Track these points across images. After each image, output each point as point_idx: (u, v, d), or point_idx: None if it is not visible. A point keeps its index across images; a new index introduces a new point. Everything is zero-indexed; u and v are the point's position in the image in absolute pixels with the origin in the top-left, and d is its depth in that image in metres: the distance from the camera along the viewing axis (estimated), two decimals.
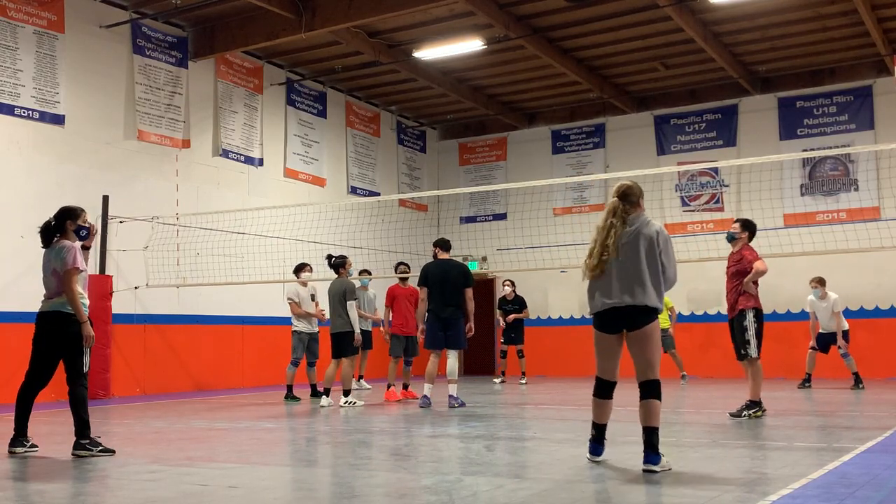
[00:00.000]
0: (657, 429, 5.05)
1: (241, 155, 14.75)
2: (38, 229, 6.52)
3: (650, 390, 5.10)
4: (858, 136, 15.66)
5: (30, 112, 11.61)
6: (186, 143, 13.70)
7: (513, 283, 15.19)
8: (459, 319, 9.95)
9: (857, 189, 15.59)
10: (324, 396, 10.46)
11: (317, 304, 11.75)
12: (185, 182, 13.69)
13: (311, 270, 11.83)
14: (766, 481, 4.67)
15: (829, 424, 7.83)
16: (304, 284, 11.73)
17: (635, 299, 5.16)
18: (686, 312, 16.78)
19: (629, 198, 5.43)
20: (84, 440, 6.06)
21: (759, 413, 8.19)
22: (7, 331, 10.89)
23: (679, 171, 16.68)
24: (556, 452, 6.05)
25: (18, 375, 6.96)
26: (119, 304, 12.33)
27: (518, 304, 15.04)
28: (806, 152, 14.99)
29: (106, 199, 12.20)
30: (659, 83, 16.95)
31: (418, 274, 10.39)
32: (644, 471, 4.99)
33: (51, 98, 11.86)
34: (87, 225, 6.51)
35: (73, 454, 6.02)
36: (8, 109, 11.37)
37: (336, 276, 10.69)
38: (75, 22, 12.24)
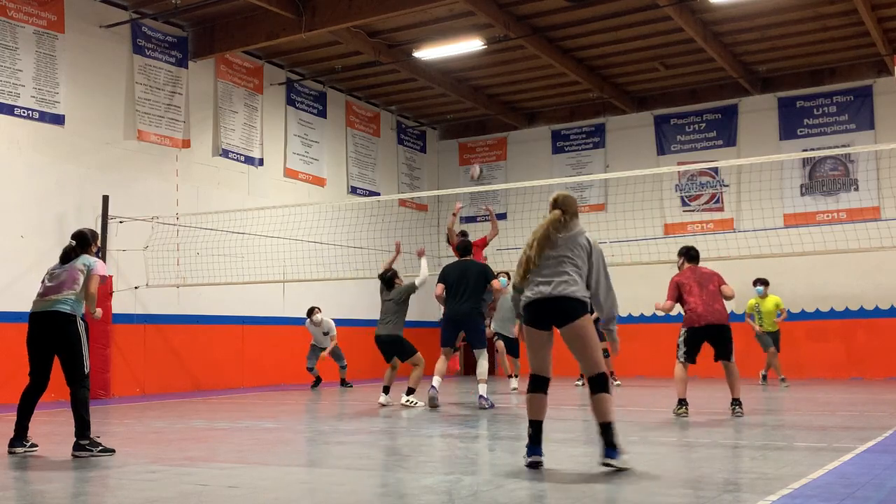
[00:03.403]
0: (612, 423, 5.08)
1: (241, 155, 14.75)
2: (64, 253, 6.61)
3: (599, 385, 5.15)
4: (858, 136, 15.66)
5: (30, 112, 11.62)
6: (186, 143, 13.71)
7: None
8: (476, 318, 9.96)
9: (857, 189, 15.59)
10: (383, 394, 10.42)
11: (333, 339, 13.54)
12: (185, 182, 13.69)
13: (320, 311, 13.48)
14: (766, 481, 4.67)
15: (829, 424, 7.83)
16: (318, 324, 13.46)
17: (563, 290, 5.22)
18: None
19: (569, 208, 5.50)
20: (84, 441, 6.06)
21: (679, 410, 8.60)
22: (7, 331, 10.89)
23: (679, 171, 16.69)
24: (556, 452, 6.05)
25: (18, 376, 6.97)
26: (119, 304, 12.34)
27: None
28: (806, 152, 14.99)
29: (106, 199, 12.20)
30: (659, 83, 16.95)
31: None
32: (603, 464, 5.02)
33: (51, 98, 11.86)
34: (98, 248, 6.84)
35: (73, 455, 6.01)
36: (8, 109, 11.37)
37: (389, 289, 10.50)
38: (75, 22, 12.24)
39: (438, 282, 10.20)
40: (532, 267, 5.35)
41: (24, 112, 11.56)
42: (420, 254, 10.86)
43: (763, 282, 13.43)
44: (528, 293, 5.35)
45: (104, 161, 12.54)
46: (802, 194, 16.08)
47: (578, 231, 5.45)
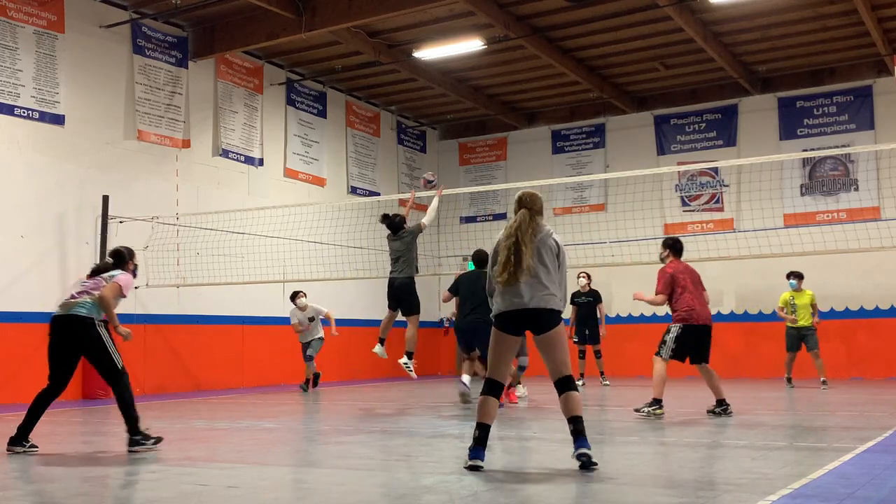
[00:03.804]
0: (582, 417, 5.22)
1: (241, 155, 14.75)
2: (95, 267, 6.76)
3: (567, 384, 5.28)
4: (858, 136, 15.65)
5: (30, 112, 11.62)
6: (186, 143, 13.70)
7: (588, 276, 14.06)
8: (482, 328, 9.88)
9: (857, 189, 15.58)
10: (379, 345, 10.58)
11: (332, 322, 13.12)
12: (185, 182, 13.69)
13: (305, 296, 13.05)
14: (766, 481, 4.67)
15: (829, 424, 7.83)
16: (303, 308, 12.98)
17: (542, 303, 5.28)
18: None
19: (534, 206, 5.52)
20: (136, 436, 6.17)
21: (658, 411, 8.43)
22: (7, 331, 10.88)
23: (679, 171, 16.69)
24: (556, 452, 6.06)
25: (18, 376, 6.99)
26: (119, 305, 12.31)
27: (592, 296, 13.99)
28: (806, 152, 14.98)
29: (106, 199, 12.20)
30: (659, 83, 16.95)
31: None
32: (580, 455, 5.06)
33: (51, 98, 11.86)
34: (137, 264, 6.88)
35: (129, 451, 6.12)
36: (8, 109, 11.37)
37: (395, 232, 10.63)
38: (75, 22, 12.24)
39: (448, 289, 10.40)
40: (511, 274, 5.27)
41: (24, 112, 11.55)
42: (438, 191, 11.05)
43: (797, 275, 12.86)
44: (502, 304, 5.32)
45: (104, 161, 12.53)
46: (802, 194, 16.08)
47: (546, 232, 5.45)
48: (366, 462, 5.75)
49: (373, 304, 15.92)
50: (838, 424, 7.80)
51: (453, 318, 11.41)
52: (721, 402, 8.52)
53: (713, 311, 16.20)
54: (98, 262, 6.85)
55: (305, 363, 13.19)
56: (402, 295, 10.37)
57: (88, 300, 6.33)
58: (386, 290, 10.64)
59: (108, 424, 8.38)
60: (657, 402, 8.46)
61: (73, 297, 6.38)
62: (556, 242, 5.45)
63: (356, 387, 14.03)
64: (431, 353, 18.25)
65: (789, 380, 12.94)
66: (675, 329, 8.50)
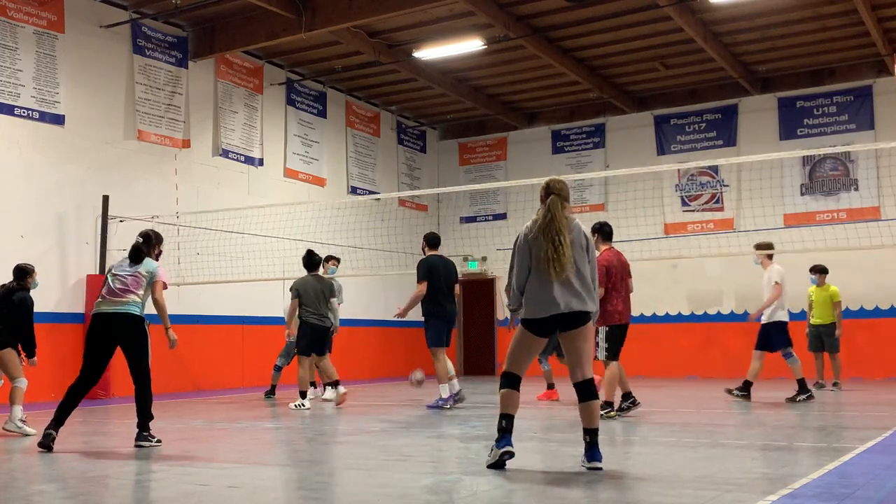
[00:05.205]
0: (598, 429, 5.16)
1: (241, 155, 14.74)
2: (132, 252, 6.73)
3: (589, 390, 5.15)
4: (858, 136, 15.64)
5: (30, 112, 11.62)
6: (186, 143, 13.70)
7: None
8: (454, 319, 10.04)
9: (857, 189, 15.58)
10: (322, 392, 10.44)
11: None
12: (185, 182, 13.68)
13: (336, 263, 12.08)
14: (766, 481, 4.67)
15: (829, 424, 7.84)
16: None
17: (576, 306, 5.13)
18: (686, 312, 16.78)
19: (563, 194, 5.27)
20: (146, 433, 6.44)
21: (611, 414, 8.27)
22: None
23: (679, 171, 16.69)
24: (556, 452, 6.06)
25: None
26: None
27: None
28: (806, 150, 14.97)
29: (106, 199, 12.20)
30: (659, 83, 16.95)
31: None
32: (591, 468, 5.02)
33: (51, 98, 11.86)
34: (160, 251, 6.98)
35: (135, 444, 6.37)
36: (8, 109, 11.37)
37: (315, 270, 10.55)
38: (75, 22, 12.24)
39: (423, 279, 9.72)
40: (559, 267, 5.07)
41: (24, 112, 11.55)
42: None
43: (818, 269, 12.14)
44: (538, 310, 5.14)
45: (104, 161, 12.53)
46: (802, 194, 16.08)
47: (577, 226, 5.26)
48: (366, 462, 5.75)
49: (373, 303, 15.93)
50: (838, 424, 7.80)
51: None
52: (611, 403, 8.39)
53: (713, 311, 16.46)
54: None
55: (277, 367, 11.86)
56: (325, 343, 10.32)
57: (139, 300, 6.48)
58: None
59: (108, 424, 8.38)
60: (625, 396, 8.44)
61: (116, 293, 6.43)
62: (586, 237, 5.25)
63: (356, 387, 14.02)
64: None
65: (817, 384, 12.03)
66: (602, 331, 8.33)
